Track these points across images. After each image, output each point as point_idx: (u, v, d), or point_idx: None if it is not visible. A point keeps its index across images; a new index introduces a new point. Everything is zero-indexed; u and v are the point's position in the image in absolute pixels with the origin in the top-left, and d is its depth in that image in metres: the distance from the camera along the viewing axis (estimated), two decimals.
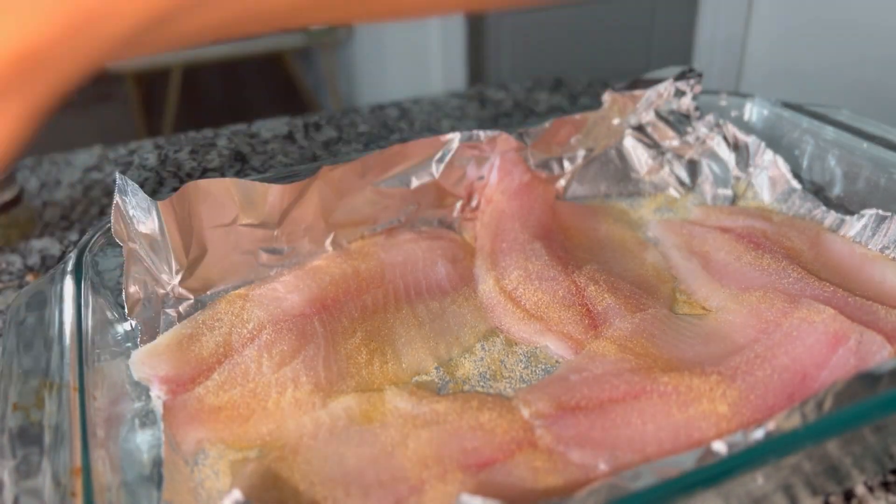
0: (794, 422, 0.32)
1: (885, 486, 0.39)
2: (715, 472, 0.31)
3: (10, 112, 0.20)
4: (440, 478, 0.35)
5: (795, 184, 0.57)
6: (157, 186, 0.75)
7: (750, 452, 0.31)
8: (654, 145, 0.61)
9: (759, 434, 0.32)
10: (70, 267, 0.46)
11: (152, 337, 0.46)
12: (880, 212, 0.51)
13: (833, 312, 0.43)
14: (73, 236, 0.66)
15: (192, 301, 0.49)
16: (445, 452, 0.37)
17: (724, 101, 0.65)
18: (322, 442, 0.38)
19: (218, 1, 0.22)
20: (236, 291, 0.49)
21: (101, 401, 0.39)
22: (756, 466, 0.31)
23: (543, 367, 0.45)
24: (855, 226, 0.53)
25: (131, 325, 0.46)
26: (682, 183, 0.61)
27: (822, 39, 1.63)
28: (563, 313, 0.47)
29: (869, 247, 0.51)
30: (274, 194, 0.50)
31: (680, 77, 0.60)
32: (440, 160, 0.56)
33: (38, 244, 0.65)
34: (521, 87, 0.99)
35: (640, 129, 0.61)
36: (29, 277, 0.60)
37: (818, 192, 0.58)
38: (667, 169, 0.61)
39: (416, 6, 0.26)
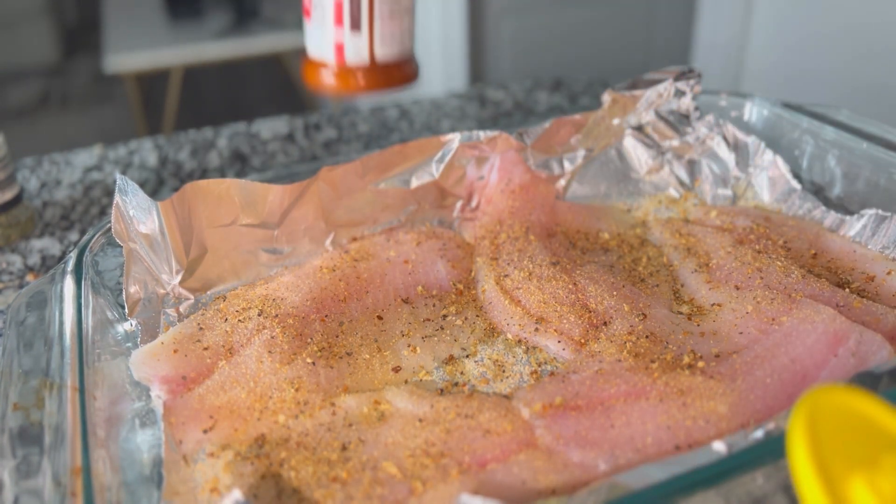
0: None
1: None
2: (715, 472, 0.31)
3: None
4: (440, 478, 0.35)
5: (795, 184, 0.57)
6: (157, 186, 0.75)
7: (750, 452, 0.31)
8: (654, 145, 0.61)
9: (759, 434, 0.32)
10: (70, 267, 0.46)
11: (152, 337, 0.46)
12: (880, 212, 0.51)
13: (833, 312, 0.43)
14: (73, 236, 0.66)
15: (192, 301, 0.49)
16: (445, 452, 0.37)
17: (723, 101, 0.65)
18: (322, 442, 0.38)
19: None
20: (236, 291, 0.49)
21: (101, 401, 0.39)
22: (756, 466, 0.31)
23: (543, 367, 0.45)
24: (855, 226, 0.53)
25: (131, 325, 0.47)
26: (682, 183, 0.61)
27: (821, 39, 1.63)
28: (563, 313, 0.47)
29: (869, 247, 0.51)
30: (274, 194, 0.50)
31: (680, 77, 0.60)
32: (440, 160, 0.56)
33: (38, 244, 0.65)
34: (521, 87, 0.99)
35: (640, 129, 0.61)
36: (29, 277, 0.60)
37: (818, 192, 0.58)
38: (667, 169, 0.61)
39: None
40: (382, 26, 0.55)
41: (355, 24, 0.53)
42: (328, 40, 0.55)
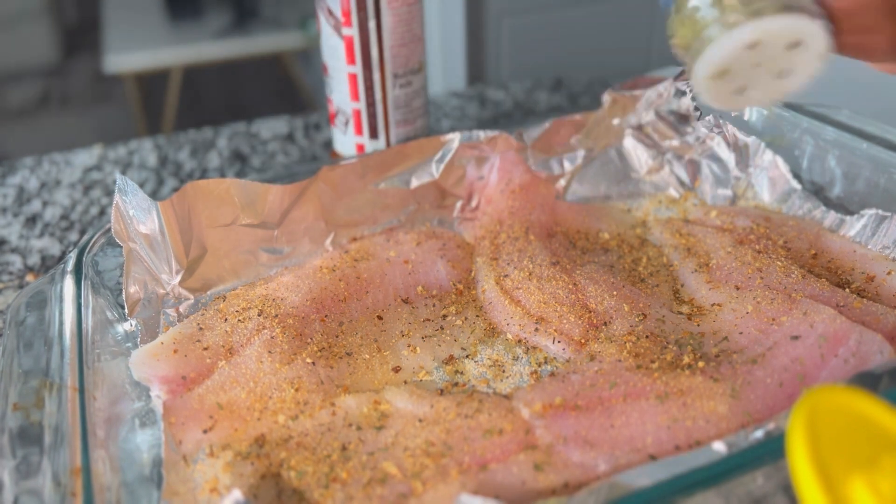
0: None
1: None
2: (715, 472, 0.31)
3: None
4: (440, 478, 0.35)
5: (795, 184, 0.57)
6: (157, 186, 0.75)
7: (750, 452, 0.31)
8: (654, 145, 0.61)
9: (759, 434, 0.32)
10: (70, 267, 0.46)
11: (152, 337, 0.46)
12: (880, 212, 0.51)
13: (833, 312, 0.43)
14: (73, 236, 0.66)
15: (192, 301, 0.49)
16: (445, 452, 0.37)
17: None
18: (322, 442, 0.38)
19: None
20: (236, 291, 0.49)
21: (101, 401, 0.39)
22: (756, 466, 0.31)
23: (543, 367, 0.45)
24: (855, 226, 0.53)
25: (131, 325, 0.47)
26: (682, 183, 0.61)
27: None
28: (563, 313, 0.47)
29: (869, 247, 0.51)
30: (274, 194, 0.50)
31: (680, 77, 0.60)
32: (440, 160, 0.56)
33: (37, 244, 0.65)
34: (521, 87, 0.99)
35: (640, 129, 0.61)
36: (29, 277, 0.60)
37: (818, 192, 0.58)
38: (667, 169, 0.61)
39: None
40: (397, 130, 0.62)
41: (373, 134, 0.62)
42: (351, 142, 0.64)
